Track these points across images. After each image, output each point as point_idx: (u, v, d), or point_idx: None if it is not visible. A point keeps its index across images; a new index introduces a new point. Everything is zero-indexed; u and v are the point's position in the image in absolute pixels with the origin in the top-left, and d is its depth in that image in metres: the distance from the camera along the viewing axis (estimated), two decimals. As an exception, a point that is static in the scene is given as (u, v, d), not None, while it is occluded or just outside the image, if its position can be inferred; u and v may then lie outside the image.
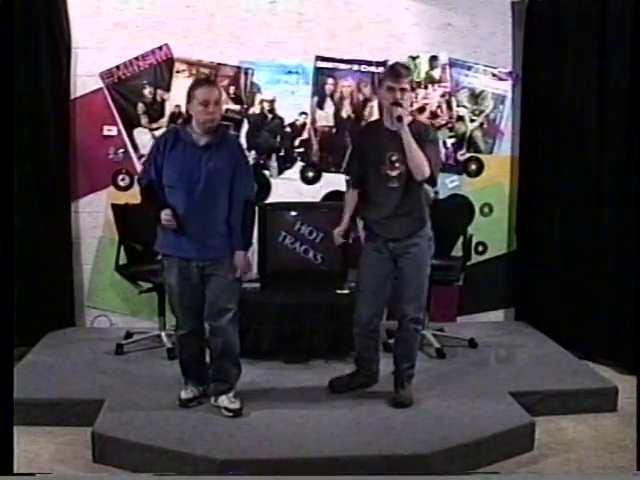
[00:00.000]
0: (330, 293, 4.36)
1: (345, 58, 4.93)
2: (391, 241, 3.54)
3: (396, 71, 3.43)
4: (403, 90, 3.38)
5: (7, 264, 2.61)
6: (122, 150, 4.85)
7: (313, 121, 4.98)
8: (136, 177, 4.25)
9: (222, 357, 3.55)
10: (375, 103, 4.90)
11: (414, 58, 4.98)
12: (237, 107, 4.91)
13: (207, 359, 3.71)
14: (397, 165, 3.45)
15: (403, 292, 3.58)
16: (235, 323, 3.53)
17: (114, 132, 4.83)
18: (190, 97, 3.35)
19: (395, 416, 3.49)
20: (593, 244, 4.56)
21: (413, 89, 4.94)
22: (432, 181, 3.50)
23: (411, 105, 4.97)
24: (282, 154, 4.99)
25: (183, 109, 4.81)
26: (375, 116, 4.81)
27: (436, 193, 5.06)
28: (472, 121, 5.08)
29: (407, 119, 3.39)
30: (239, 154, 3.51)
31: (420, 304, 3.60)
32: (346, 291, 4.40)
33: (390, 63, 3.99)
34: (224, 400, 3.54)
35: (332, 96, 4.97)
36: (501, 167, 5.14)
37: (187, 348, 3.60)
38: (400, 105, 3.36)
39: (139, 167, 4.84)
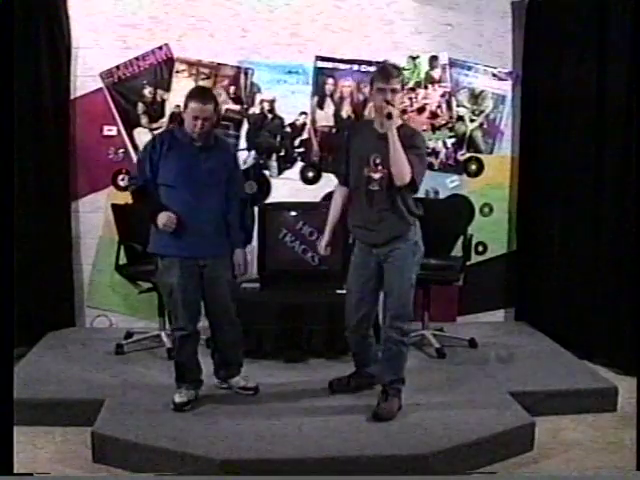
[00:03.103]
0: (329, 293, 4.36)
1: (345, 58, 4.93)
2: (373, 246, 3.48)
3: (387, 72, 3.33)
4: (394, 91, 3.30)
5: (7, 264, 2.61)
6: (122, 150, 4.85)
7: (313, 121, 4.97)
8: (127, 178, 4.29)
9: (232, 347, 3.70)
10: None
11: (414, 58, 4.98)
12: (237, 107, 4.91)
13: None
14: (380, 168, 3.36)
15: (386, 299, 3.52)
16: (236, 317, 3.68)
17: (114, 132, 4.83)
18: (185, 105, 3.43)
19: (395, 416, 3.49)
20: (593, 244, 4.56)
21: (412, 89, 4.95)
22: (413, 189, 3.38)
23: (411, 105, 4.99)
24: (282, 154, 4.99)
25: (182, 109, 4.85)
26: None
27: (436, 193, 5.08)
28: (472, 121, 5.08)
29: (397, 120, 3.31)
30: (232, 157, 3.69)
31: (403, 313, 3.44)
32: (345, 291, 4.38)
33: (380, 64, 3.77)
34: (239, 381, 3.72)
35: (332, 96, 4.97)
36: (501, 167, 5.14)
37: (187, 349, 3.60)
38: (391, 104, 3.27)
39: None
